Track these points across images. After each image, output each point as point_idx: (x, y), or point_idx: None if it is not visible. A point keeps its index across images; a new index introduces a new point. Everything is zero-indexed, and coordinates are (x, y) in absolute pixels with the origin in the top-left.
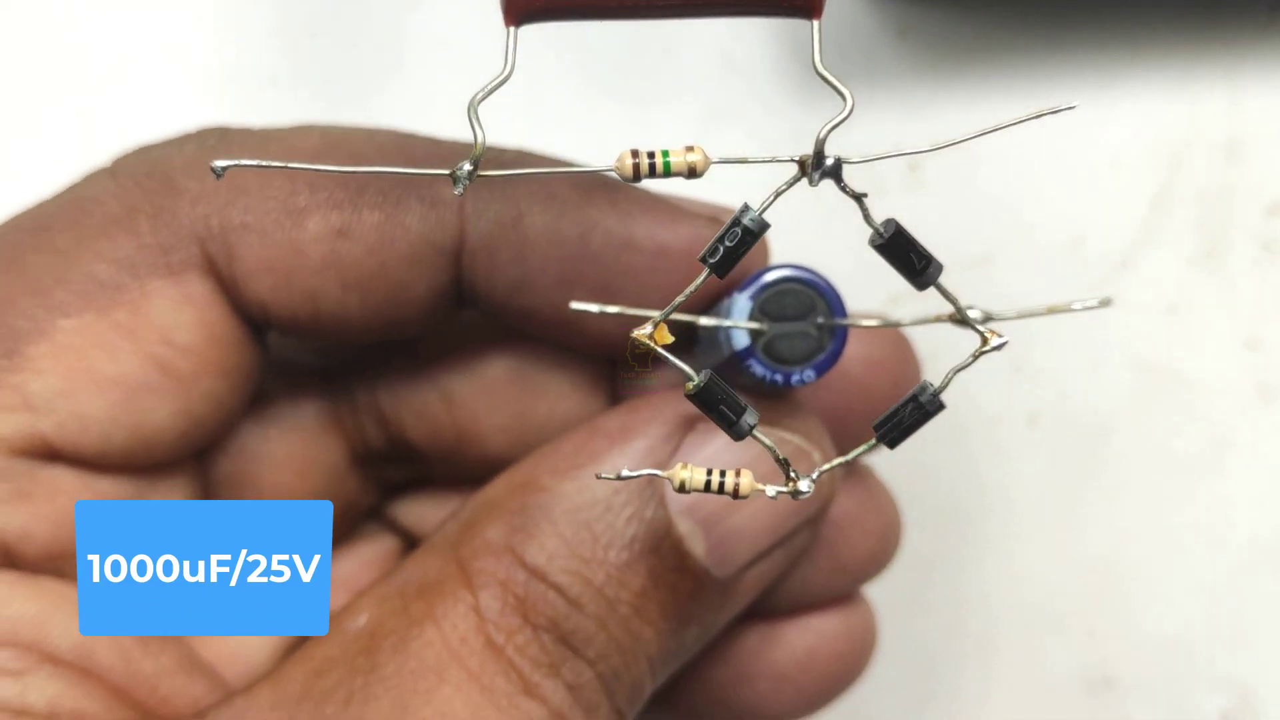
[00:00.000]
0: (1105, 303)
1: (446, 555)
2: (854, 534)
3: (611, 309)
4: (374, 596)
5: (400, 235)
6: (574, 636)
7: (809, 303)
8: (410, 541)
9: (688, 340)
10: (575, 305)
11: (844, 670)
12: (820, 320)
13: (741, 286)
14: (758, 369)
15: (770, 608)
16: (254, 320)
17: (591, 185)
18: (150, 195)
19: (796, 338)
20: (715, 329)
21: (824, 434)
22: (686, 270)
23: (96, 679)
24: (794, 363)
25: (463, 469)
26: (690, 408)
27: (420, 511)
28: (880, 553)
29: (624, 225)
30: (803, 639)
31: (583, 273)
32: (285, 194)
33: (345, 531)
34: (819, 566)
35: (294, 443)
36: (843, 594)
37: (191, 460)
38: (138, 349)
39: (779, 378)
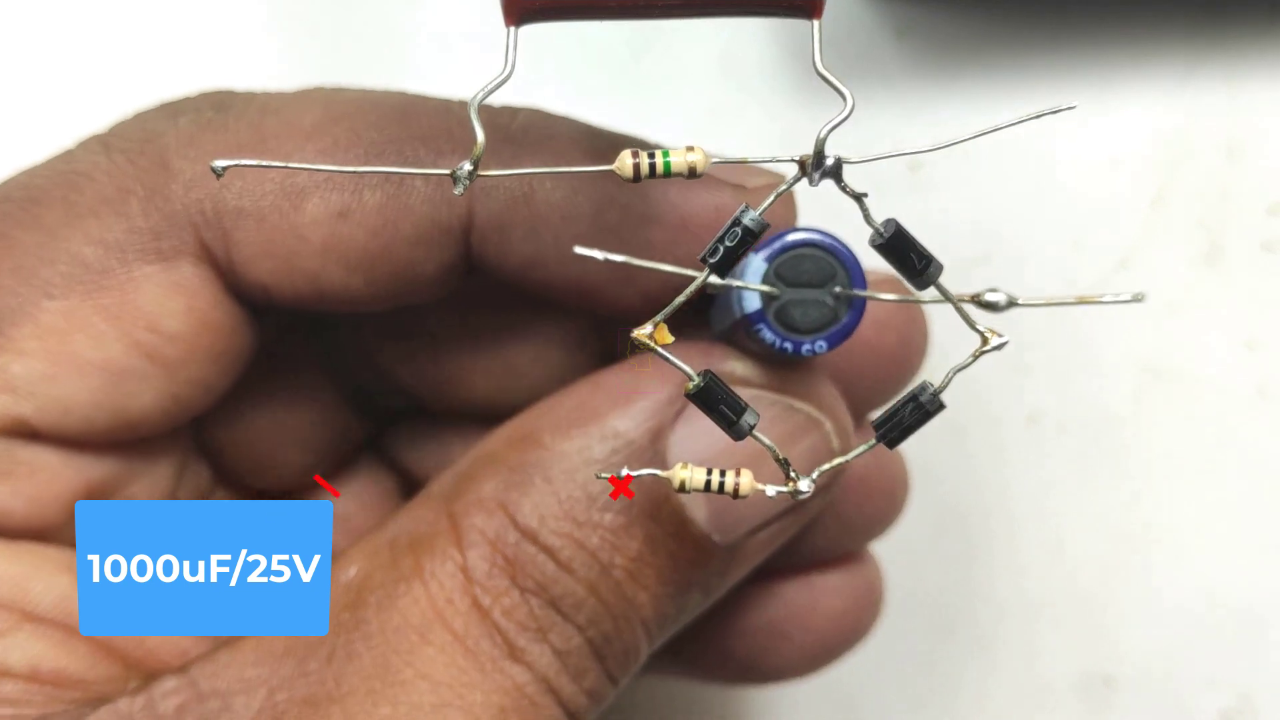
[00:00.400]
0: (1139, 298)
1: (439, 509)
2: (859, 490)
3: (617, 257)
4: (365, 548)
5: (404, 217)
6: (563, 601)
7: (828, 270)
8: (408, 479)
9: (703, 299)
10: (579, 250)
11: (844, 629)
12: (838, 289)
13: (759, 247)
14: (767, 335)
15: (771, 563)
16: (255, 302)
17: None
18: (143, 174)
19: (811, 305)
20: (729, 288)
21: (838, 401)
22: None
23: (80, 636)
24: (806, 332)
25: (453, 406)
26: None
27: (419, 449)
28: (886, 510)
29: (642, 198)
30: (801, 595)
31: (600, 247)
32: (283, 174)
33: (341, 463)
34: (823, 523)
35: (282, 377)
36: (848, 552)
37: None
38: (123, 335)
39: (789, 346)
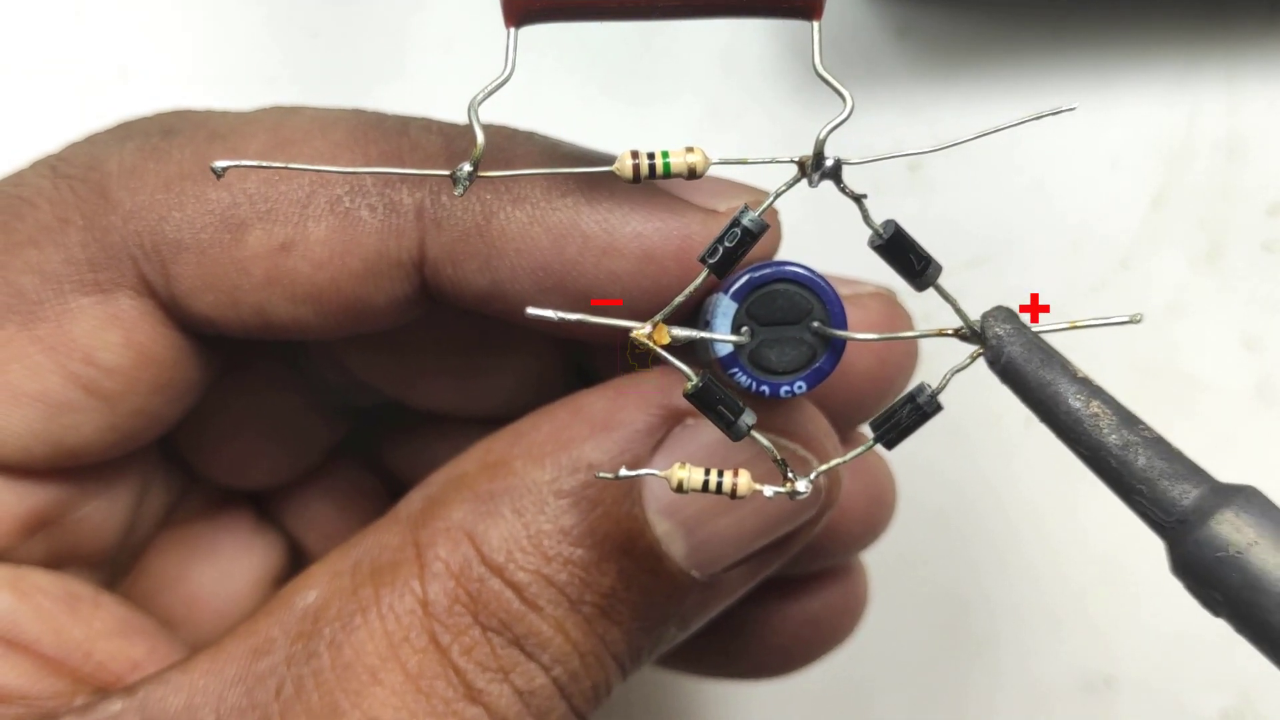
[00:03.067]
0: (1136, 319)
1: (405, 536)
2: (845, 505)
3: (571, 316)
4: (328, 569)
5: (351, 250)
6: (527, 640)
7: (803, 305)
8: (391, 478)
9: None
10: (532, 311)
11: (822, 637)
12: (815, 324)
13: (727, 285)
14: (742, 379)
15: None
16: (201, 333)
17: (568, 180)
18: (83, 203)
19: (787, 345)
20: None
21: (827, 435)
22: (677, 272)
23: (23, 650)
24: (783, 373)
25: (427, 410)
26: (681, 399)
27: (400, 446)
28: (873, 525)
29: (603, 228)
30: (784, 603)
31: (560, 280)
32: (224, 205)
33: (319, 460)
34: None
35: (247, 377)
36: (835, 564)
37: None
38: (59, 367)
39: (765, 389)
